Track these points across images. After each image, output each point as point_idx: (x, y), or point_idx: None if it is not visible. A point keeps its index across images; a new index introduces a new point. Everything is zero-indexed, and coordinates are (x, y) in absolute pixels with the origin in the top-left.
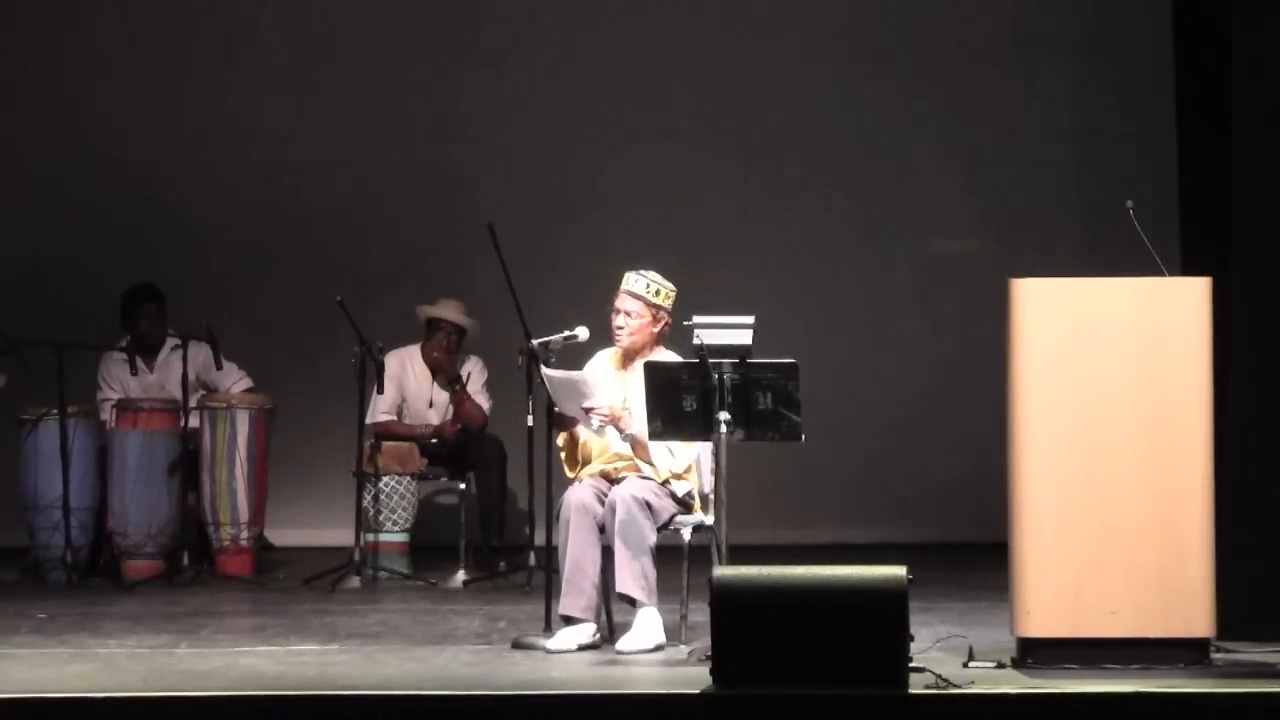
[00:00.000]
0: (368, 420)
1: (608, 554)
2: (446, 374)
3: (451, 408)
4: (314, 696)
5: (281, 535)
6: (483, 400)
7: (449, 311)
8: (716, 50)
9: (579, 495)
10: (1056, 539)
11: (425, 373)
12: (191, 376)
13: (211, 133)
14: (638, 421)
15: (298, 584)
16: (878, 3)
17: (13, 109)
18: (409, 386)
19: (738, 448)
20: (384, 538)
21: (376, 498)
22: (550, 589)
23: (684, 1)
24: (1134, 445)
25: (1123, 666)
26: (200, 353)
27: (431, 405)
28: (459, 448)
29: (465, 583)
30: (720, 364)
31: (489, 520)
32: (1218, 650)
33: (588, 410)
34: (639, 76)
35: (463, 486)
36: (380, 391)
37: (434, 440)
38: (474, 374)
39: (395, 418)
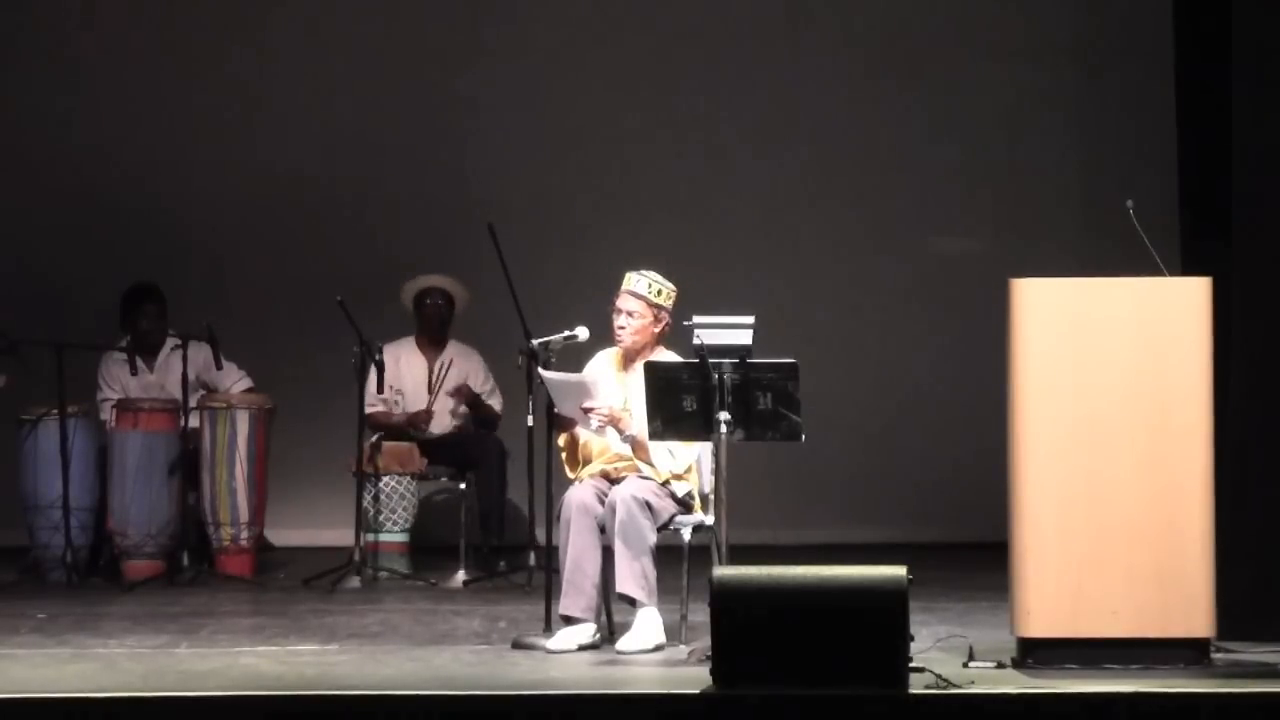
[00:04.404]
0: (366, 410)
1: (608, 554)
2: (465, 396)
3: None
4: (314, 696)
5: (281, 535)
6: (495, 402)
7: (433, 280)
8: (717, 50)
9: (579, 495)
10: (1056, 539)
11: (421, 362)
12: (191, 376)
13: (211, 133)
14: (638, 422)
15: (298, 584)
16: (878, 4)
17: (13, 109)
18: (404, 379)
19: (738, 448)
20: (384, 538)
21: (376, 498)
22: (550, 589)
23: (686, 2)
24: (1134, 445)
25: (1123, 666)
26: (200, 353)
27: (430, 392)
28: (459, 447)
29: (465, 583)
30: (720, 364)
31: (488, 520)
32: (1218, 650)
33: (587, 410)
34: (640, 76)
35: (463, 486)
36: (376, 382)
37: (417, 429)
38: (480, 375)
39: (385, 409)
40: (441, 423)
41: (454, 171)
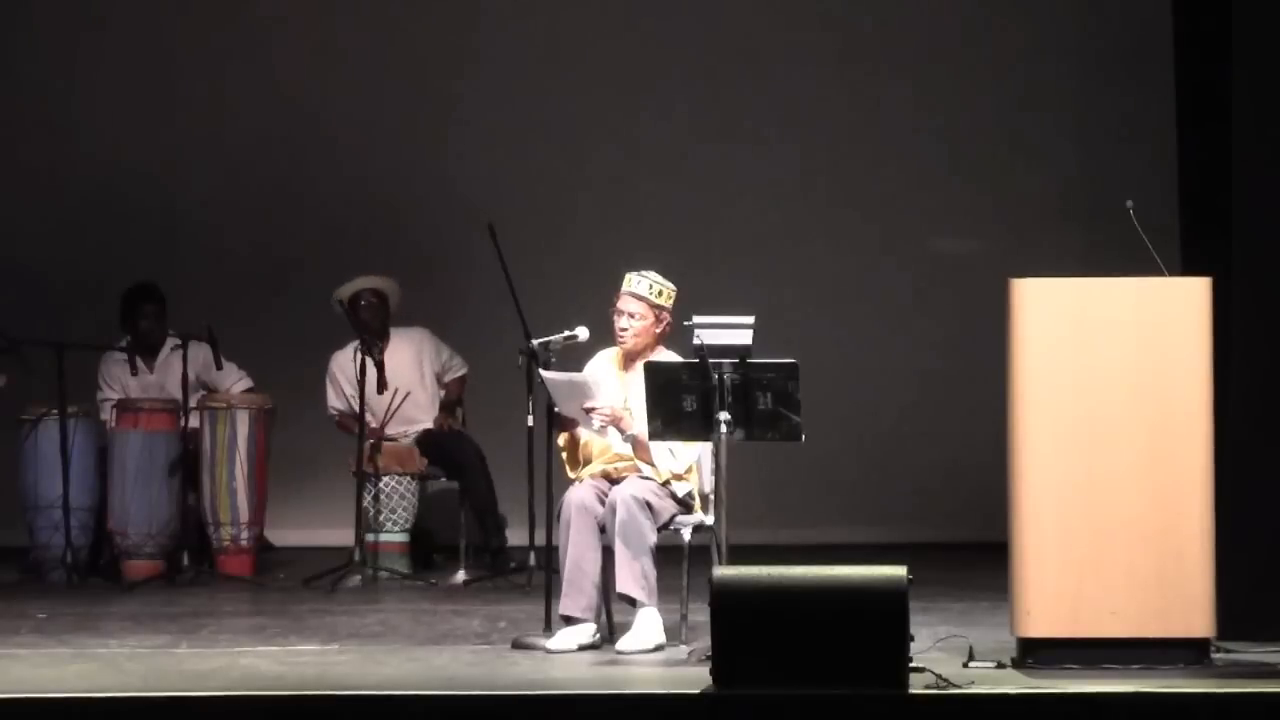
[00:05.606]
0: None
1: (608, 554)
2: (449, 413)
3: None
4: (314, 696)
5: (281, 535)
6: (456, 370)
7: (362, 282)
8: (718, 50)
9: (579, 495)
10: (1056, 539)
11: (370, 364)
12: (191, 376)
13: (211, 133)
14: (639, 422)
15: (298, 584)
16: (878, 4)
17: (14, 109)
18: (358, 385)
19: (738, 448)
20: (384, 538)
21: (376, 498)
22: (550, 589)
23: (687, 2)
24: (1134, 445)
25: (1123, 666)
26: (200, 353)
27: (384, 391)
28: (440, 449)
29: (465, 583)
30: (720, 364)
31: (484, 521)
32: (1218, 650)
33: (588, 410)
34: (640, 76)
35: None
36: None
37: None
38: (433, 351)
39: (346, 408)
40: (415, 422)
41: (453, 172)
